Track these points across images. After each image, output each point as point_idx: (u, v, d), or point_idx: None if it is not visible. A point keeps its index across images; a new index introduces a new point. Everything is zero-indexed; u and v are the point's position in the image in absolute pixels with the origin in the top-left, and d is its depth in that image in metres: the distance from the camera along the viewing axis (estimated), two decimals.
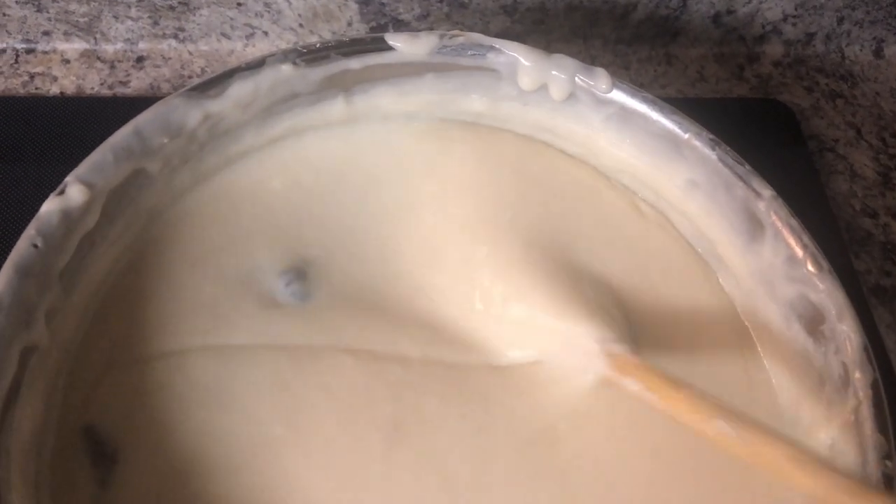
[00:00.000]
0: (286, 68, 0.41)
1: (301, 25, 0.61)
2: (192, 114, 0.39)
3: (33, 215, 0.45)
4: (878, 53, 0.66)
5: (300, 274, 0.39)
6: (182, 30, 0.61)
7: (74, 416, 0.35)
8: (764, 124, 0.62)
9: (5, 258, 0.48)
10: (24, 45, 0.60)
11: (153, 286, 0.39)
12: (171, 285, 0.39)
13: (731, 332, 0.40)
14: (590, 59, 0.64)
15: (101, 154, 0.37)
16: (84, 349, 0.37)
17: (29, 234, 0.34)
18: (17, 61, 0.60)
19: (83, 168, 0.36)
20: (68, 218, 0.35)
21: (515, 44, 0.42)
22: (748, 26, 0.64)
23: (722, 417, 0.31)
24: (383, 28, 0.61)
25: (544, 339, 0.37)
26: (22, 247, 0.34)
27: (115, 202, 0.38)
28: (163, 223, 0.40)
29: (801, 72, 0.65)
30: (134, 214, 0.39)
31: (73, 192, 0.35)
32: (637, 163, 0.43)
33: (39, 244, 0.34)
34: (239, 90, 0.40)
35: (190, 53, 0.61)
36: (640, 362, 0.35)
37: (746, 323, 0.40)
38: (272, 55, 0.40)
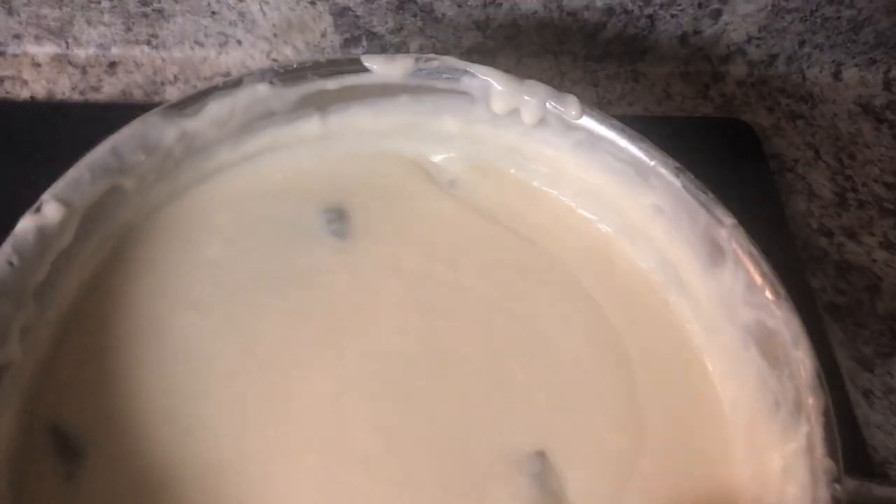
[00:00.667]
0: (263, 88, 0.41)
1: (275, 35, 0.61)
2: (168, 131, 0.39)
3: (0, 220, 0.45)
4: (836, 76, 0.68)
5: None
6: (155, 36, 0.61)
7: (42, 415, 0.36)
8: (727, 143, 0.64)
9: None
10: None
11: (124, 302, 0.39)
12: (142, 300, 0.39)
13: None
14: (560, 76, 0.65)
15: (78, 172, 0.37)
16: (55, 364, 0.37)
17: (5, 252, 0.34)
18: None
19: (60, 186, 0.36)
20: (44, 236, 0.36)
21: (489, 68, 0.43)
22: (714, 46, 0.66)
23: None
24: (356, 40, 0.62)
25: None
26: None
27: (91, 219, 0.38)
28: (136, 238, 0.41)
29: (764, 92, 0.67)
30: (108, 230, 0.40)
31: (50, 209, 0.36)
32: (604, 186, 0.44)
33: (15, 262, 0.34)
34: (216, 109, 0.40)
35: (163, 60, 0.61)
36: None
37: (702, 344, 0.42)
38: (250, 74, 0.41)
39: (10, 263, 0.34)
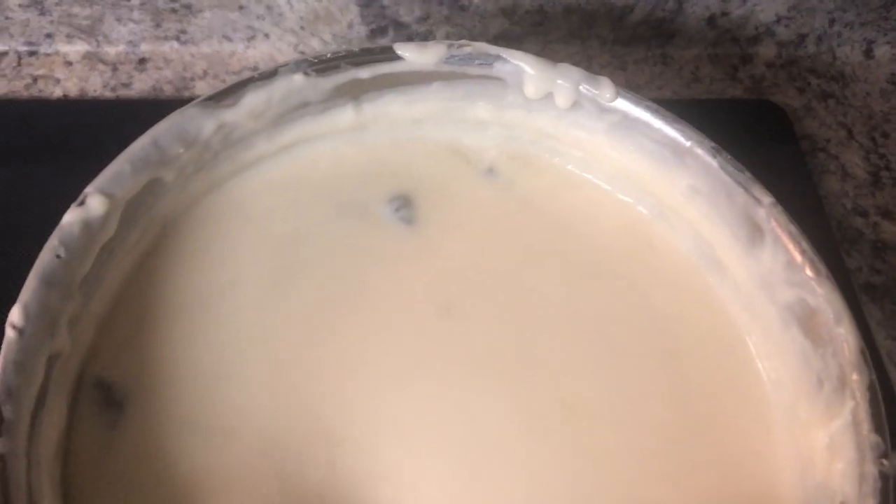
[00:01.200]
0: (298, 78, 0.41)
1: (302, 28, 0.61)
2: (207, 123, 0.40)
3: (38, 217, 0.45)
4: (868, 54, 0.67)
5: None
6: (184, 32, 0.61)
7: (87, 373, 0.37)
8: (757, 125, 0.63)
9: (11, 258, 0.49)
10: (26, 48, 0.60)
11: (166, 289, 0.40)
12: (183, 286, 0.40)
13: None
14: (587, 60, 0.65)
15: (120, 165, 0.37)
16: (102, 344, 0.38)
17: (52, 245, 0.35)
18: (19, 64, 0.60)
19: (102, 179, 0.37)
20: (89, 228, 0.36)
21: (522, 53, 0.43)
22: (742, 28, 0.65)
23: None
24: (383, 30, 0.62)
25: None
26: (46, 257, 0.35)
27: (132, 211, 0.39)
28: (176, 230, 0.41)
29: (794, 72, 0.67)
30: (149, 222, 0.40)
31: (94, 202, 0.36)
32: (639, 169, 0.44)
33: (62, 254, 0.35)
34: (252, 100, 0.41)
35: (192, 55, 0.62)
36: None
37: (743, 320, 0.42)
38: (285, 65, 0.41)
39: (58, 256, 0.35)
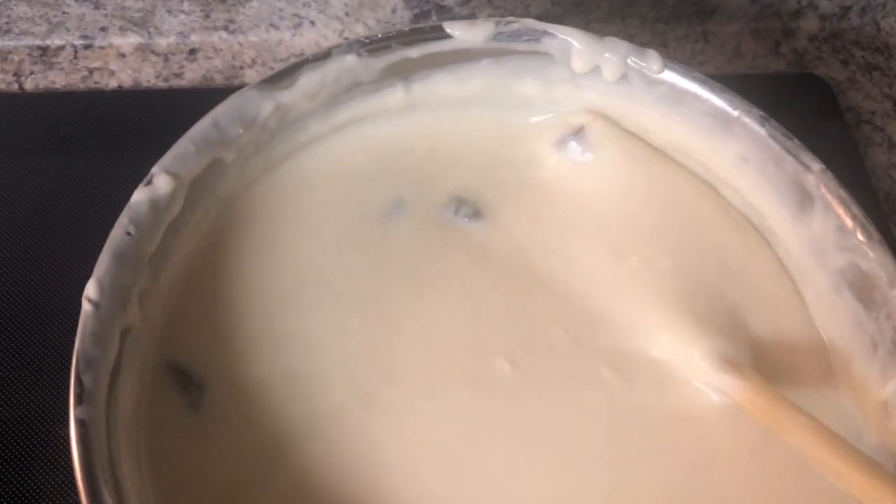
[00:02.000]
0: (351, 59, 0.42)
1: (347, 14, 0.63)
2: (265, 105, 0.41)
3: (99, 204, 0.47)
4: None
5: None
6: (232, 21, 0.63)
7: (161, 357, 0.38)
8: (801, 99, 0.63)
9: (74, 246, 0.51)
10: (81, 42, 0.62)
11: (230, 267, 0.41)
12: (245, 267, 0.41)
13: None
14: (628, 38, 0.65)
15: (184, 145, 0.39)
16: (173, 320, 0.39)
17: (122, 223, 0.36)
18: (76, 57, 0.62)
19: (168, 159, 0.38)
20: (156, 206, 0.37)
21: (569, 28, 0.44)
22: (784, 2, 0.65)
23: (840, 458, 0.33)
24: (426, 14, 0.63)
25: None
26: (117, 234, 0.36)
27: (195, 190, 0.40)
28: (236, 209, 0.43)
29: (837, 45, 0.66)
30: (212, 201, 0.41)
31: (160, 182, 0.38)
32: (688, 140, 0.44)
33: (132, 231, 0.36)
34: (307, 81, 0.42)
35: (240, 44, 0.63)
36: (760, 384, 0.37)
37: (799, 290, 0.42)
38: (337, 46, 0.42)
39: (129, 234, 0.36)
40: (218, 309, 0.39)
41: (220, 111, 0.40)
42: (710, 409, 0.38)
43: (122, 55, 0.62)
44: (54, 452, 0.44)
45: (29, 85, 0.60)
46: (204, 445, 0.36)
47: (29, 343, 0.49)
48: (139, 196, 0.37)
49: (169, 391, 0.37)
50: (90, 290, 0.34)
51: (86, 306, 0.34)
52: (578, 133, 0.45)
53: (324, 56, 0.42)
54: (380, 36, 0.43)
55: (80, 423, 0.32)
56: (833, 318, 0.40)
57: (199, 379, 0.38)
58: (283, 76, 0.41)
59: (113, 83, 0.61)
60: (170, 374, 0.38)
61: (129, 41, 0.63)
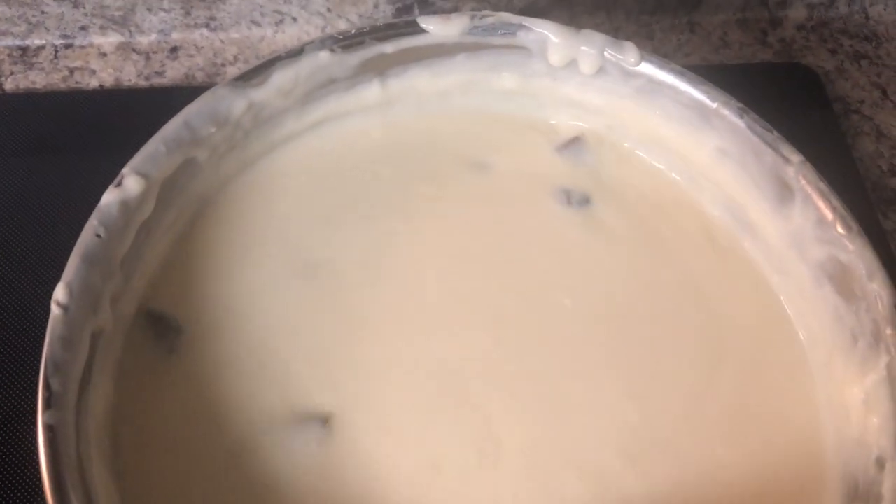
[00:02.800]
0: (324, 55, 0.42)
1: (329, 10, 0.62)
2: (237, 103, 0.41)
3: (79, 205, 0.47)
4: None
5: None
6: (213, 18, 0.62)
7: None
8: (789, 88, 0.62)
9: (52, 248, 0.51)
10: (62, 41, 0.62)
11: (204, 267, 0.41)
12: (221, 268, 0.41)
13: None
14: (613, 31, 0.65)
15: (154, 145, 0.38)
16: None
17: (92, 225, 0.36)
18: (56, 57, 0.61)
19: (138, 160, 0.38)
20: (127, 208, 0.37)
21: (545, 21, 0.43)
22: None
23: None
24: (408, 9, 0.62)
25: None
26: (87, 237, 0.36)
27: (167, 191, 0.40)
28: (211, 208, 0.42)
29: (825, 34, 0.66)
30: (185, 201, 0.41)
31: (130, 183, 0.37)
32: (666, 132, 0.44)
33: (102, 234, 0.36)
34: (280, 78, 0.41)
35: (222, 42, 0.63)
36: None
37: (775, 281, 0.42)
38: (310, 43, 0.42)
39: (98, 235, 0.36)
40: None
41: (191, 110, 0.39)
42: None
43: (103, 54, 0.62)
44: (23, 457, 0.44)
45: (9, 85, 0.60)
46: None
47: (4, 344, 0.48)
48: (109, 198, 0.37)
49: (144, 335, 0.38)
50: (59, 293, 0.34)
51: (55, 310, 0.34)
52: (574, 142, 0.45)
53: (297, 53, 0.42)
54: (353, 32, 0.42)
55: (48, 429, 0.32)
56: (814, 312, 0.40)
57: (175, 325, 0.39)
58: (255, 73, 0.41)
59: (94, 83, 0.61)
60: (143, 320, 0.39)
61: (110, 40, 0.62)
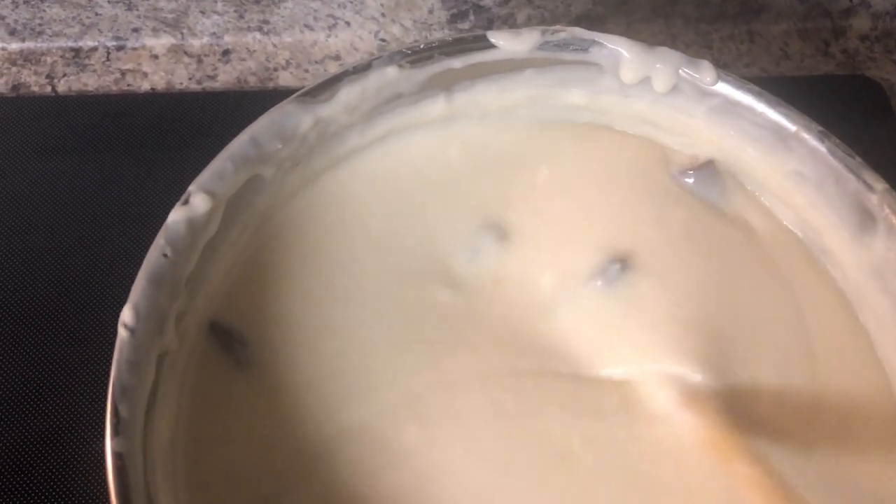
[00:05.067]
0: (392, 70, 0.41)
1: (383, 15, 0.61)
2: (304, 119, 0.40)
3: (133, 210, 0.46)
4: None
5: None
6: (266, 22, 0.62)
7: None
8: (852, 102, 0.61)
9: (106, 251, 0.50)
10: (114, 43, 0.61)
11: (268, 283, 0.40)
12: (284, 284, 0.40)
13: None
14: (671, 39, 0.64)
15: (221, 163, 0.38)
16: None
17: (159, 245, 0.35)
18: (108, 59, 0.61)
19: (205, 177, 0.37)
20: (193, 226, 0.36)
21: (618, 37, 0.42)
22: (833, 0, 0.63)
23: None
24: (463, 15, 0.61)
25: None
26: (153, 257, 0.35)
27: (233, 208, 0.39)
28: (274, 224, 0.41)
29: (890, 45, 0.64)
30: (249, 218, 0.40)
31: (197, 201, 0.37)
32: (741, 154, 0.43)
33: (169, 253, 0.35)
34: (348, 94, 0.40)
35: (274, 46, 0.62)
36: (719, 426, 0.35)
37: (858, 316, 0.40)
38: (378, 58, 0.41)
39: (165, 255, 0.35)
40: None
41: (258, 126, 0.39)
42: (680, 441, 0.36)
43: (155, 56, 0.61)
44: (89, 469, 0.44)
45: (61, 87, 0.60)
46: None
47: (64, 354, 0.48)
48: (176, 216, 0.36)
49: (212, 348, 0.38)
50: (126, 315, 0.33)
51: (122, 332, 0.33)
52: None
53: (364, 68, 0.41)
54: (422, 46, 0.41)
55: (117, 456, 0.31)
56: (894, 347, 0.39)
57: (241, 337, 0.38)
58: (322, 89, 0.40)
59: (145, 85, 0.60)
60: (209, 334, 0.38)
61: (162, 42, 0.62)
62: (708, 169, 0.43)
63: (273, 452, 0.35)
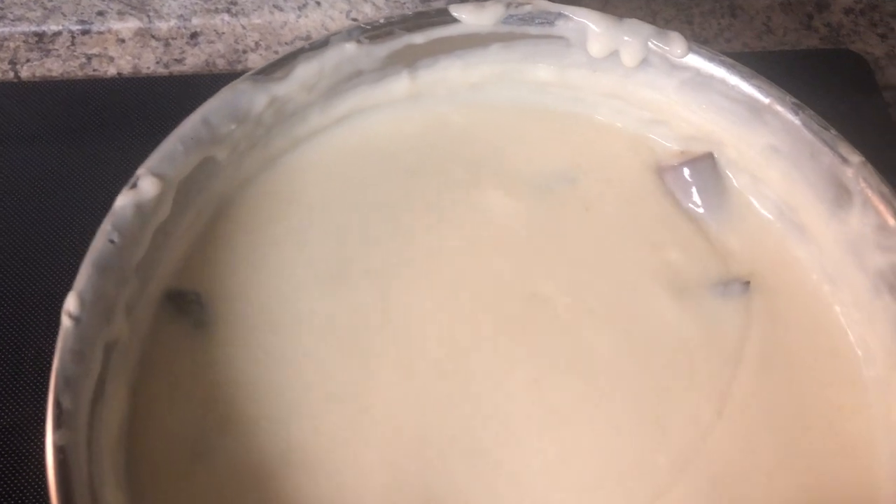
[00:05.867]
0: (350, 47, 0.40)
1: None
2: (258, 98, 0.38)
3: (94, 198, 0.45)
4: None
5: None
6: (234, 3, 0.60)
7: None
8: (836, 76, 0.60)
9: (69, 240, 0.49)
10: (79, 27, 0.60)
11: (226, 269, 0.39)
12: (244, 269, 0.39)
13: None
14: (651, 15, 0.62)
15: (171, 145, 0.36)
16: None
17: (105, 230, 0.34)
18: (73, 43, 0.59)
19: (153, 160, 0.36)
20: (142, 211, 0.35)
21: (585, 10, 0.40)
22: None
23: None
24: None
25: None
26: (99, 243, 0.34)
27: (185, 191, 0.38)
28: (233, 209, 0.40)
29: (875, 18, 0.62)
30: (204, 202, 0.39)
31: (146, 184, 0.35)
32: (714, 129, 0.41)
33: (116, 239, 0.34)
34: (304, 71, 0.39)
35: (243, 27, 0.61)
36: None
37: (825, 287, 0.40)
38: (336, 34, 0.39)
39: (112, 241, 0.34)
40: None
41: (209, 106, 0.37)
42: None
43: (122, 40, 0.60)
44: (28, 477, 0.42)
45: (25, 73, 0.58)
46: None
47: (12, 346, 0.47)
48: (123, 201, 0.35)
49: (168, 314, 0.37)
50: (70, 304, 0.32)
51: (65, 321, 0.32)
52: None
53: (321, 44, 0.39)
54: (381, 21, 0.40)
55: (59, 450, 0.30)
56: (870, 323, 0.37)
57: (199, 300, 0.38)
58: (277, 66, 0.39)
59: (112, 70, 0.59)
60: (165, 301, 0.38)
61: (129, 25, 0.60)
62: (704, 163, 0.42)
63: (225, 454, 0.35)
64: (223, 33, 0.60)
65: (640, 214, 0.42)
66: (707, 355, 0.38)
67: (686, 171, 0.42)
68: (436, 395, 0.36)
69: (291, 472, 0.34)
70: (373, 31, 0.40)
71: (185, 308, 0.37)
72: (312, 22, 0.61)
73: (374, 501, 0.34)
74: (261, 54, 0.60)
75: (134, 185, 0.35)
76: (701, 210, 0.42)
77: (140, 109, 0.57)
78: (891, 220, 0.36)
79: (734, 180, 0.43)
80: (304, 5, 0.60)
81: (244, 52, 0.60)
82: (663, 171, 0.43)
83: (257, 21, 0.61)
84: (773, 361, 0.38)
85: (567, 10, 0.40)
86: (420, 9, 0.40)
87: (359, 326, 0.38)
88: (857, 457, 0.36)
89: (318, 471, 0.35)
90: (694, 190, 0.42)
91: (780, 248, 0.41)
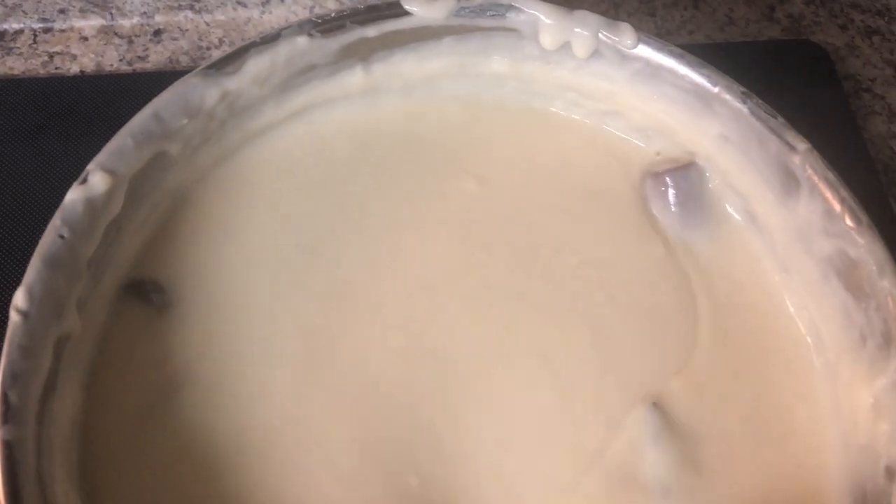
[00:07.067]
0: (302, 40, 0.40)
1: None
2: (209, 92, 0.38)
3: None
4: None
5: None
6: (198, 0, 0.60)
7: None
8: (797, 66, 0.60)
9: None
10: (41, 25, 0.60)
11: (183, 269, 0.39)
12: (200, 267, 0.39)
13: None
14: (614, 8, 0.62)
15: (121, 139, 0.36)
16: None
17: (55, 225, 0.34)
18: (35, 41, 0.59)
19: (104, 155, 0.36)
20: (93, 206, 0.35)
21: (536, 2, 0.41)
22: None
23: None
24: None
25: None
26: (48, 238, 0.34)
27: (138, 187, 0.38)
28: (188, 204, 0.40)
29: (835, 9, 0.63)
30: (158, 197, 0.39)
31: (96, 179, 0.35)
32: (666, 118, 0.42)
33: (66, 234, 0.34)
34: (255, 65, 0.39)
35: (207, 24, 0.61)
36: None
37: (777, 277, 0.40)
38: (287, 28, 0.40)
39: (62, 236, 0.34)
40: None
41: (160, 101, 0.37)
42: None
43: (84, 38, 0.60)
44: None
45: None
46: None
47: None
48: (73, 196, 0.35)
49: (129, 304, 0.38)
50: (18, 299, 0.32)
51: (14, 316, 0.32)
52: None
53: (272, 38, 0.39)
54: (333, 15, 0.40)
55: (6, 444, 0.30)
56: (820, 310, 0.38)
57: (161, 287, 0.38)
58: (228, 61, 0.39)
59: (75, 68, 0.59)
60: (126, 292, 0.38)
61: (91, 23, 0.60)
62: (688, 171, 0.42)
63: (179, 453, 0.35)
64: (187, 30, 0.60)
65: (601, 206, 0.42)
66: (664, 341, 0.39)
67: (668, 179, 0.43)
68: (399, 372, 0.37)
69: (246, 451, 0.35)
70: (324, 25, 0.40)
71: (145, 296, 0.38)
72: (276, 18, 0.61)
73: (338, 471, 0.35)
74: (224, 51, 0.59)
75: (84, 181, 0.35)
76: (673, 209, 0.42)
77: (103, 107, 0.56)
78: (836, 206, 0.37)
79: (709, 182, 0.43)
80: (268, 1, 0.60)
81: (208, 48, 0.60)
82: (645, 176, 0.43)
83: (221, 17, 0.61)
84: (728, 348, 0.39)
85: (518, 2, 0.41)
86: (372, 2, 0.40)
87: (318, 306, 0.38)
88: (808, 441, 0.37)
89: (276, 450, 0.35)
90: (671, 192, 0.42)
91: (739, 239, 0.41)
